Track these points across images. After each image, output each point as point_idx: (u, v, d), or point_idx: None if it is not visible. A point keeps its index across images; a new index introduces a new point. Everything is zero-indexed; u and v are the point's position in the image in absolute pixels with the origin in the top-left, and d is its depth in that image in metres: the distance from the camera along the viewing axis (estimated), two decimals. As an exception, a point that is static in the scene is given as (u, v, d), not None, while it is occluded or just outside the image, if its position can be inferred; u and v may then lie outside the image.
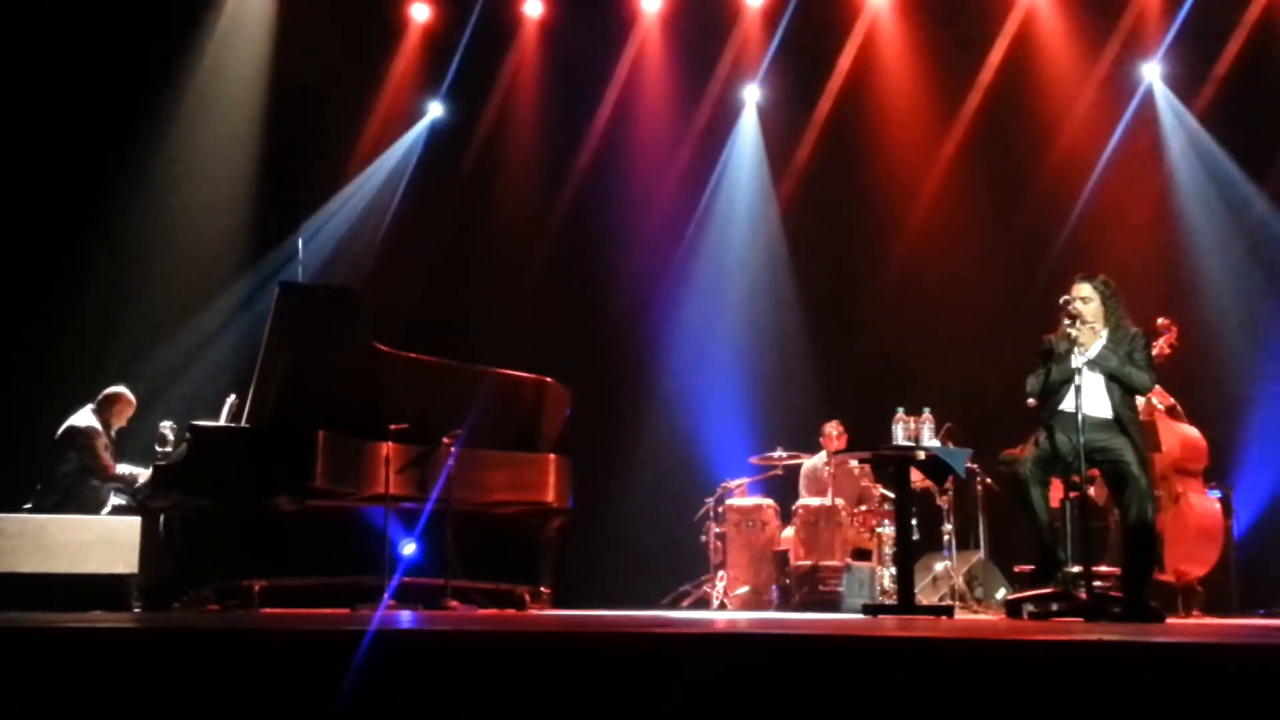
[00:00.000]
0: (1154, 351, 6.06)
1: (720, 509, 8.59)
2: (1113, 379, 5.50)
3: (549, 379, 7.98)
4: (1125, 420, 5.49)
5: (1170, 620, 5.45)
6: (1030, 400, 5.76)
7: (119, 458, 7.42)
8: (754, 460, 8.85)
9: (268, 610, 6.59)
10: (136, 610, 6.44)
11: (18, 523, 6.53)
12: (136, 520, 6.73)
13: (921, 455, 6.12)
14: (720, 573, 8.42)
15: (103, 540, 6.53)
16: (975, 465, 7.72)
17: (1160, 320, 6.82)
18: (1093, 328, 5.53)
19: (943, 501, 7.88)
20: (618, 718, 2.71)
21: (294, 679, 2.91)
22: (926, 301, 9.61)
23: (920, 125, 9.91)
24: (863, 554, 8.14)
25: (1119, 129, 9.55)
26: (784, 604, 8.04)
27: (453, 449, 7.09)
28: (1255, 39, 9.07)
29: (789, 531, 8.43)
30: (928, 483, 7.36)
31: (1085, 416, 5.30)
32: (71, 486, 7.12)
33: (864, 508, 8.30)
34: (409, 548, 7.44)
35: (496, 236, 10.28)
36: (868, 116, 10.04)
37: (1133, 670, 2.55)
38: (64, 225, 8.86)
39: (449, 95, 10.52)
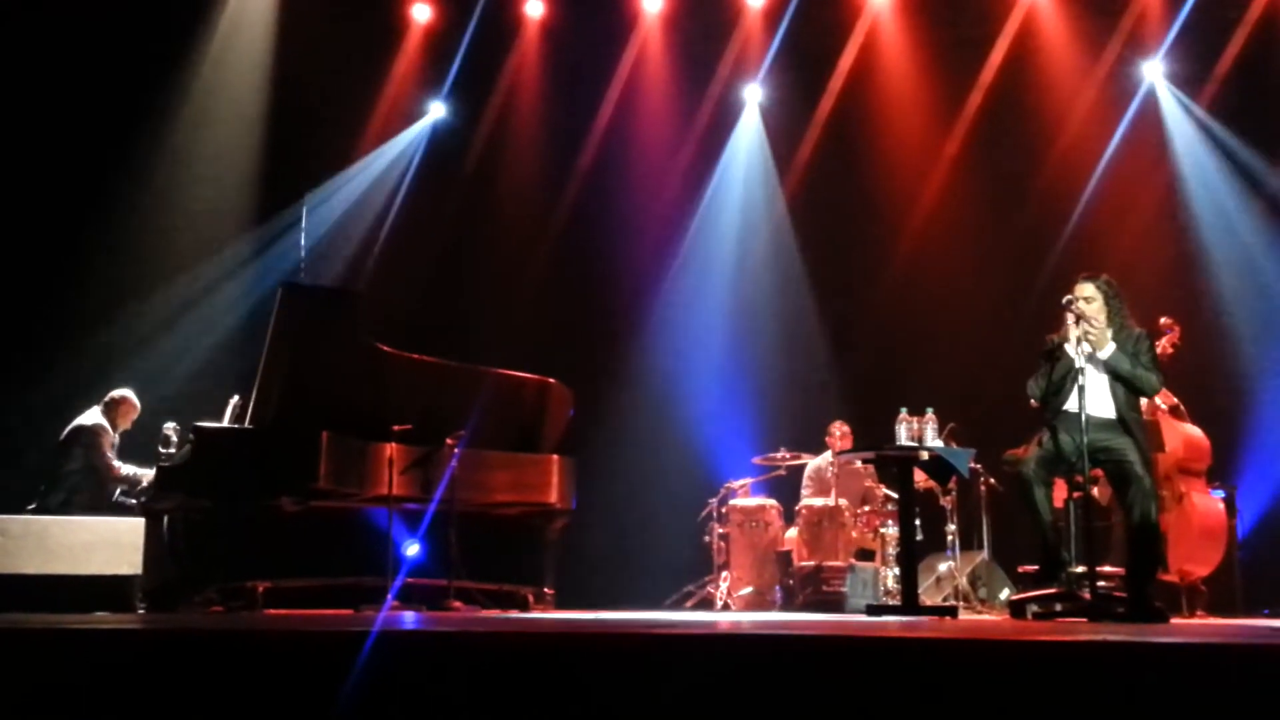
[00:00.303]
0: (1157, 351, 6.05)
1: (723, 509, 8.58)
2: (1123, 380, 5.50)
3: (552, 380, 7.99)
4: (1129, 420, 5.49)
5: (1174, 620, 5.44)
6: (1033, 401, 5.76)
7: (122, 460, 7.45)
8: (757, 461, 8.85)
9: (271, 611, 6.60)
10: (140, 611, 6.44)
11: (21, 524, 6.54)
12: (140, 521, 6.73)
13: (925, 455, 6.12)
14: (723, 573, 8.42)
15: (106, 541, 6.54)
16: (979, 465, 7.71)
17: (1163, 320, 6.82)
18: (1102, 329, 5.52)
19: (946, 502, 7.88)
20: (621, 718, 2.71)
21: (297, 680, 2.91)
22: (929, 301, 9.61)
23: (922, 125, 9.91)
24: (866, 554, 8.14)
25: (1121, 128, 9.54)
26: (787, 605, 8.04)
27: (456, 450, 7.10)
28: (1257, 38, 9.07)
29: (792, 532, 8.43)
30: (931, 483, 7.36)
31: (1089, 417, 5.30)
32: (77, 485, 7.17)
33: (867, 508, 8.30)
34: (412, 548, 7.45)
35: (499, 237, 10.27)
36: (869, 117, 10.03)
37: (1137, 671, 2.55)
38: (66, 226, 8.86)
39: (450, 96, 10.53)
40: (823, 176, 10.13)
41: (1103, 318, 5.58)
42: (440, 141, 10.56)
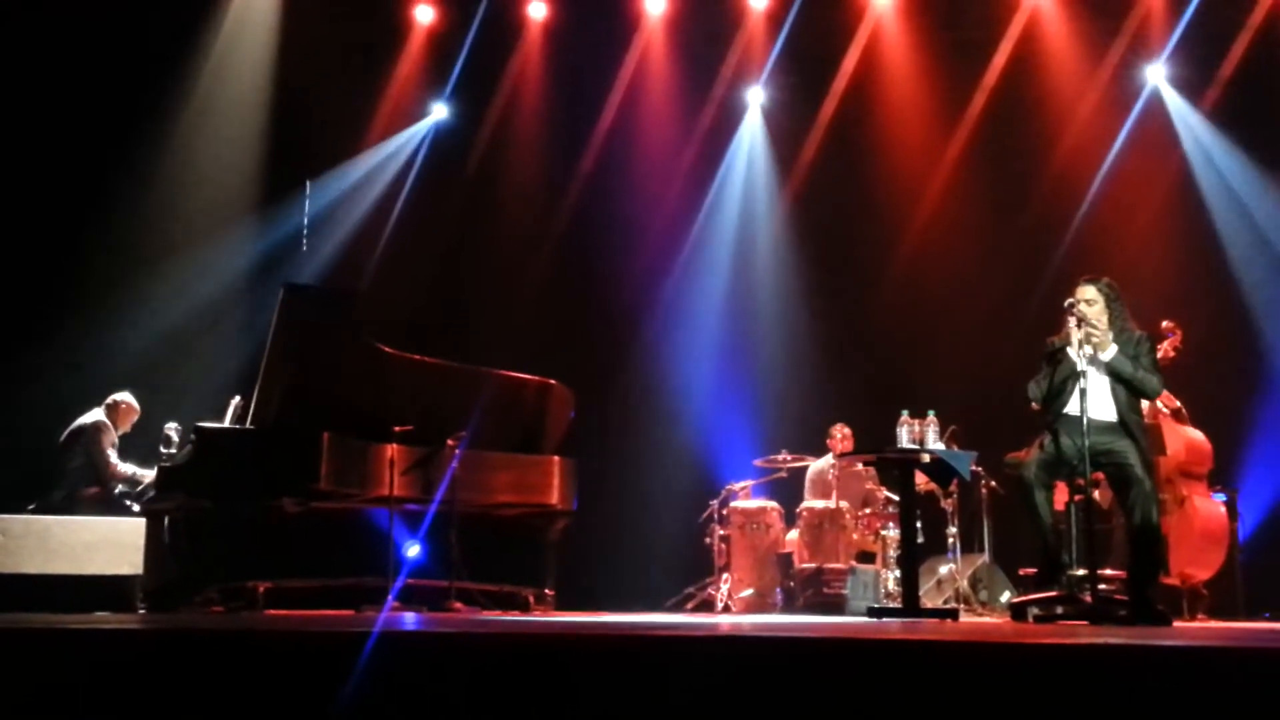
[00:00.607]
0: (1159, 355, 6.06)
1: (725, 511, 8.58)
2: (1125, 384, 5.49)
3: (553, 381, 7.99)
4: (1130, 423, 5.48)
5: (1175, 624, 5.44)
6: (1034, 405, 5.75)
7: (124, 460, 7.46)
8: (758, 463, 8.84)
9: (272, 612, 6.60)
10: (141, 611, 6.45)
11: (22, 524, 6.55)
12: (141, 521, 6.75)
13: (926, 458, 6.13)
14: (724, 575, 8.42)
15: (107, 541, 6.55)
16: (980, 468, 7.71)
17: (1165, 323, 6.81)
18: (1104, 331, 5.52)
19: (947, 504, 7.87)
20: (622, 720, 2.71)
21: (298, 680, 2.91)
22: (931, 304, 9.61)
23: (924, 128, 9.91)
24: (867, 557, 8.14)
25: (1123, 132, 9.54)
26: (788, 607, 8.04)
27: (457, 451, 7.10)
28: (1260, 42, 9.07)
29: (793, 534, 8.43)
30: (932, 486, 7.36)
31: (1090, 420, 5.29)
32: (79, 483, 7.20)
33: (868, 510, 8.30)
34: (413, 549, 7.45)
35: (501, 238, 10.28)
36: (872, 119, 10.03)
37: (1138, 674, 2.55)
38: (68, 225, 8.87)
39: (453, 97, 10.53)
40: (825, 179, 10.13)
41: (1104, 320, 5.57)
42: (442, 142, 10.56)
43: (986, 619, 7.25)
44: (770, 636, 3.29)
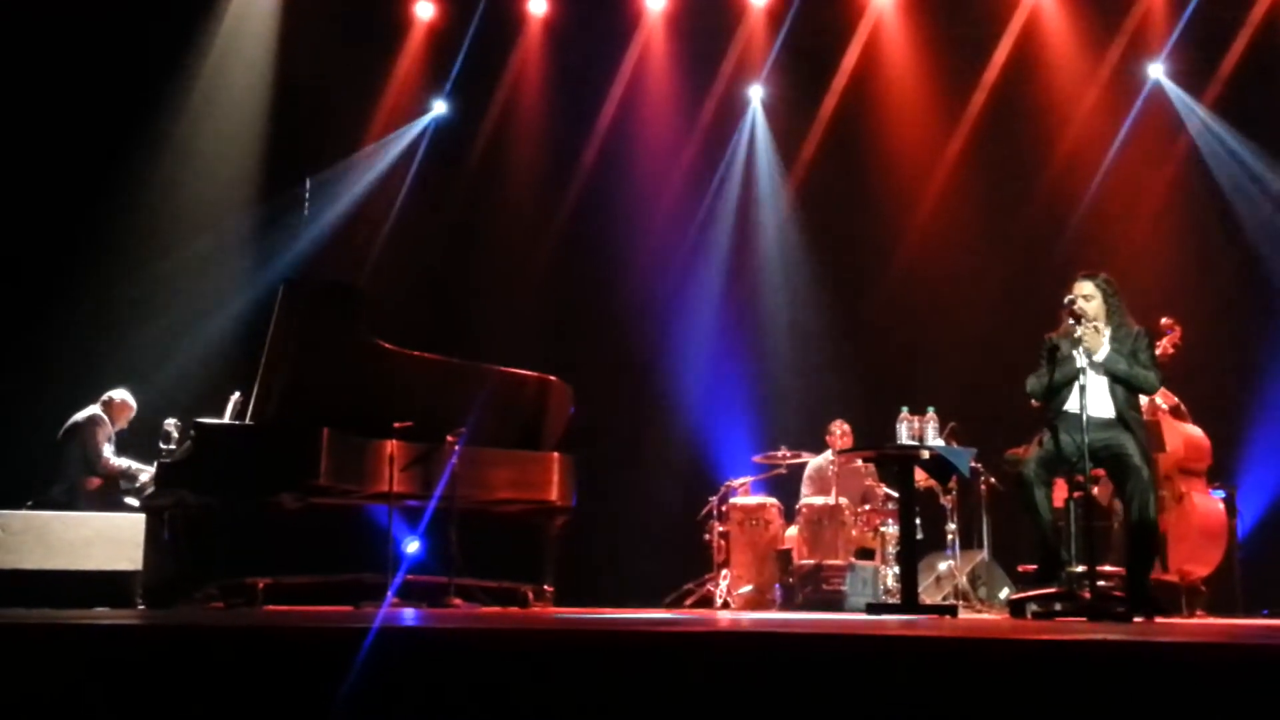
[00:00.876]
0: (1158, 351, 6.05)
1: (724, 508, 8.58)
2: (1122, 381, 5.49)
3: (553, 377, 7.99)
4: (1129, 420, 5.49)
5: (1174, 620, 5.44)
6: (1034, 400, 5.76)
7: (123, 455, 7.46)
8: (757, 459, 8.84)
9: (271, 608, 6.59)
10: (140, 607, 6.45)
11: (22, 519, 6.55)
12: (140, 517, 6.75)
13: (926, 454, 6.13)
14: (723, 572, 8.42)
15: (106, 537, 6.55)
16: (979, 465, 7.71)
17: (1164, 320, 6.80)
18: (1096, 327, 5.52)
19: (946, 501, 7.88)
20: (621, 717, 2.71)
21: (297, 677, 2.92)
22: (931, 300, 9.61)
23: (925, 125, 9.91)
24: (866, 553, 8.14)
25: (1124, 128, 9.54)
26: (787, 603, 8.04)
27: (456, 447, 7.10)
28: (1260, 38, 9.06)
29: (792, 530, 8.43)
30: (932, 482, 7.36)
31: (1089, 417, 5.29)
32: (78, 477, 7.21)
33: (868, 507, 8.30)
34: (412, 546, 7.45)
35: (501, 235, 10.28)
36: (873, 116, 10.03)
37: (1136, 670, 2.55)
38: (67, 222, 8.87)
39: (453, 93, 10.53)
40: (826, 175, 10.14)
41: (1102, 316, 5.57)
42: (442, 139, 10.56)
43: (985, 615, 7.25)
44: (769, 633, 3.30)
